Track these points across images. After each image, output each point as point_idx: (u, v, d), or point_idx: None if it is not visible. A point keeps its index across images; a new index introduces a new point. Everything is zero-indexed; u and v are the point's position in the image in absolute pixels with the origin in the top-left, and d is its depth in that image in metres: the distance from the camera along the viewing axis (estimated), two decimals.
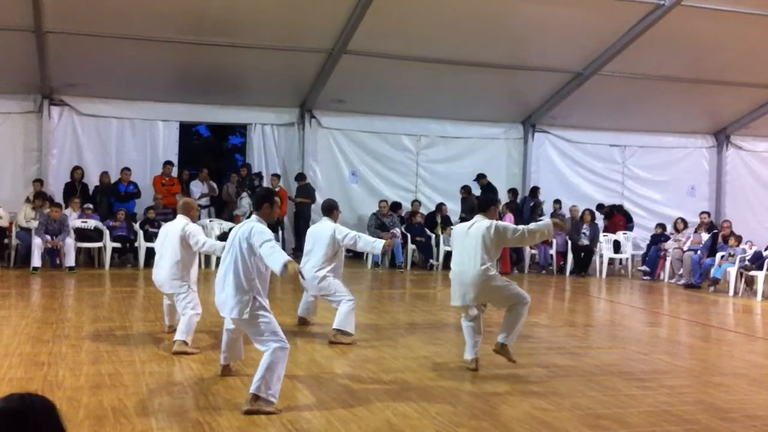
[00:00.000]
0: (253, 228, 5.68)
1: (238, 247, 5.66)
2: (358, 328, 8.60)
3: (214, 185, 16.40)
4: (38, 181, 14.56)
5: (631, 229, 17.07)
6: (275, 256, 5.47)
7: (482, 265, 6.67)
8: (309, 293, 8.57)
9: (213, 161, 23.68)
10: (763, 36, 14.51)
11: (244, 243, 5.65)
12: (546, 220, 7.10)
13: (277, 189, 15.77)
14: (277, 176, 16.02)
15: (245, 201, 15.26)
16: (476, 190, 16.40)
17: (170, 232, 7.71)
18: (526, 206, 17.13)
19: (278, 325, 5.64)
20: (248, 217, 6.22)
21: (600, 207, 17.17)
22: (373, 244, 8.30)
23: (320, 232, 8.34)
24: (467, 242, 6.77)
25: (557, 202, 17.15)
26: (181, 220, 7.77)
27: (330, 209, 8.61)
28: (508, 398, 5.90)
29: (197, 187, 15.89)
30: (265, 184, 16.09)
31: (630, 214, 17.65)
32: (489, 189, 16.53)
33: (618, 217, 17.13)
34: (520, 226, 7.03)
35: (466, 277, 6.73)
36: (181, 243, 7.54)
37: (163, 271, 7.60)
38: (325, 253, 8.17)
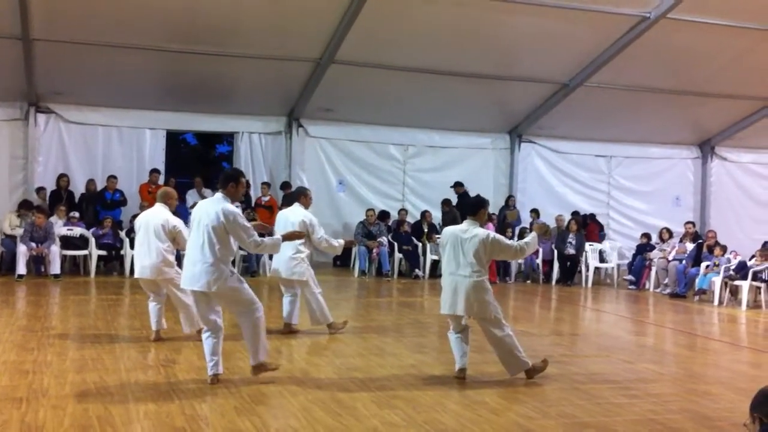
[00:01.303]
0: (225, 211, 6.07)
1: (210, 226, 6.05)
2: (345, 336, 8.64)
3: (207, 195, 16.04)
4: (42, 189, 14.59)
5: (603, 237, 17.17)
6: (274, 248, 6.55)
7: (479, 277, 6.59)
8: (279, 274, 8.57)
9: (201, 170, 23.61)
10: (747, 48, 14.66)
11: (218, 224, 6.04)
12: (532, 233, 7.06)
13: (267, 198, 15.83)
14: (266, 185, 15.99)
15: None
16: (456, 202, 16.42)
17: (151, 220, 7.89)
18: (500, 215, 17.12)
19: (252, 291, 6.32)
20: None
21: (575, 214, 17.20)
22: (334, 245, 8.65)
23: (292, 217, 8.52)
24: (462, 250, 6.63)
25: (534, 211, 17.13)
26: (161, 210, 7.91)
27: (299, 195, 8.86)
28: (494, 407, 5.91)
29: (192, 197, 15.73)
30: (252, 192, 16.06)
31: (601, 223, 17.72)
32: (465, 196, 16.58)
33: (592, 226, 17.21)
34: (515, 242, 6.99)
35: (460, 286, 6.62)
36: (164, 231, 7.71)
37: (151, 258, 7.72)
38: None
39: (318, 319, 8.71)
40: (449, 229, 6.92)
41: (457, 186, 16.79)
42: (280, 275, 8.62)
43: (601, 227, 17.69)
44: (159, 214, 7.87)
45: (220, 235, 6.06)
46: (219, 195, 6.27)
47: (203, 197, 15.48)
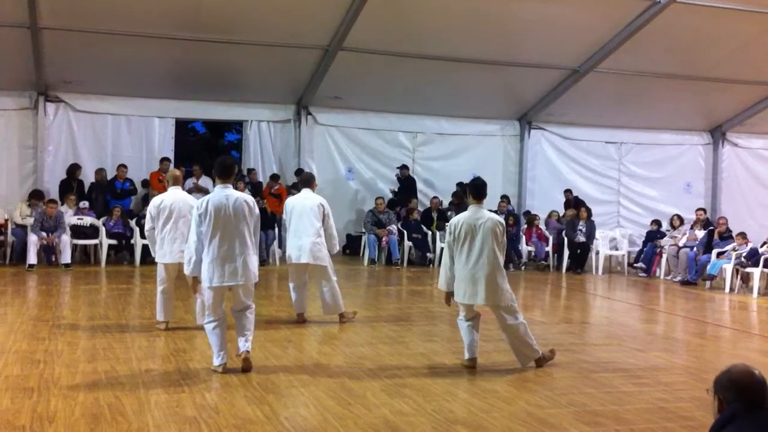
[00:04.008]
0: (253, 201, 6.37)
1: (244, 219, 6.24)
2: (355, 325, 8.65)
3: (204, 184, 15.92)
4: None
5: None
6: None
7: (496, 264, 6.52)
8: (300, 260, 8.49)
9: (209, 158, 23.59)
10: (758, 33, 14.52)
11: (251, 215, 6.30)
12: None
13: (276, 186, 15.80)
14: (275, 177, 15.89)
15: None
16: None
17: (183, 206, 7.86)
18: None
19: None
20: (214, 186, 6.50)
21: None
22: (334, 243, 8.70)
23: (309, 201, 8.57)
24: (476, 237, 6.56)
25: (504, 198, 16.85)
26: (182, 193, 8.06)
27: (307, 181, 8.90)
28: (505, 395, 5.90)
29: (189, 185, 15.69)
30: (261, 179, 16.06)
31: (590, 208, 16.81)
32: (408, 181, 16.60)
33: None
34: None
35: (479, 275, 6.55)
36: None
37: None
38: (318, 223, 8.48)
39: (331, 308, 8.68)
40: (459, 218, 6.79)
41: (403, 168, 16.82)
42: (300, 261, 8.47)
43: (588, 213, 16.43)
44: (186, 198, 7.92)
45: (249, 224, 6.29)
46: (226, 185, 6.29)
47: (198, 186, 15.38)
